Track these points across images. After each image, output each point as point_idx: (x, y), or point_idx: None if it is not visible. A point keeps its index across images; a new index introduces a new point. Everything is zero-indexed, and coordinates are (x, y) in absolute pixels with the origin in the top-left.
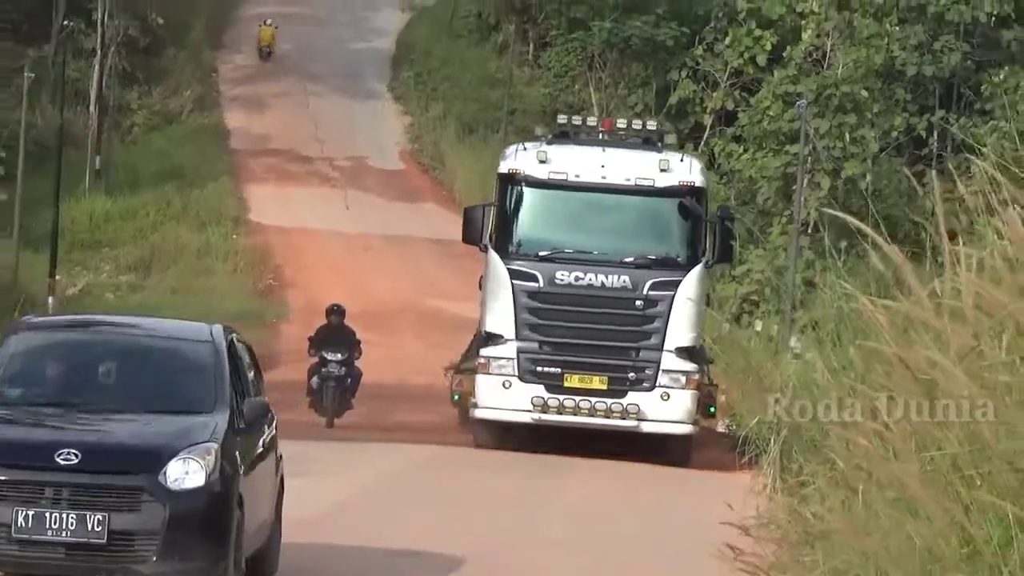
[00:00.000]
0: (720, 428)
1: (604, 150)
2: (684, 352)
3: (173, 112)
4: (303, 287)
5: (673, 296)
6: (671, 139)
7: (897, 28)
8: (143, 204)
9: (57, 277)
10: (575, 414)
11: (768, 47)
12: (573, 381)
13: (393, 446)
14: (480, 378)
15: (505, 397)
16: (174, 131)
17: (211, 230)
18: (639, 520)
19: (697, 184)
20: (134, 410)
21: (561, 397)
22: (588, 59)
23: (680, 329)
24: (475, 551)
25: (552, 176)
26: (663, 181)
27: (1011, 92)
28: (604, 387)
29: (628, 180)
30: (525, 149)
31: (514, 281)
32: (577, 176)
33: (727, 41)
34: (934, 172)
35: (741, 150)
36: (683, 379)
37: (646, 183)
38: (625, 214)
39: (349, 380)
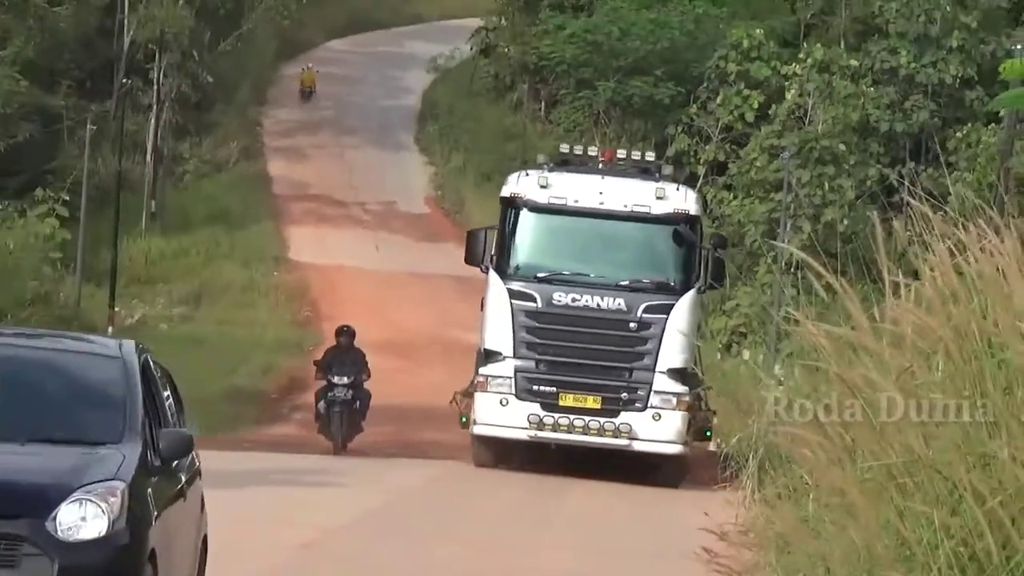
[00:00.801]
0: (711, 447)
1: (603, 178)
2: (676, 374)
3: (221, 161)
4: (337, 319)
5: (666, 319)
6: (668, 170)
7: (871, 89)
8: (194, 244)
9: (116, 309)
10: (569, 432)
11: (755, 105)
12: (568, 400)
13: (409, 461)
14: (479, 396)
15: (502, 414)
16: (222, 178)
17: (254, 267)
18: (623, 527)
19: (692, 212)
20: (17, 439)
21: (556, 415)
22: (594, 116)
23: (672, 351)
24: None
25: (552, 201)
26: (659, 208)
27: (973, 146)
28: (598, 406)
29: (625, 207)
30: (527, 175)
31: (513, 301)
32: (576, 201)
33: (719, 100)
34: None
35: (731, 197)
36: (674, 400)
37: (642, 210)
38: (621, 239)
39: (358, 403)
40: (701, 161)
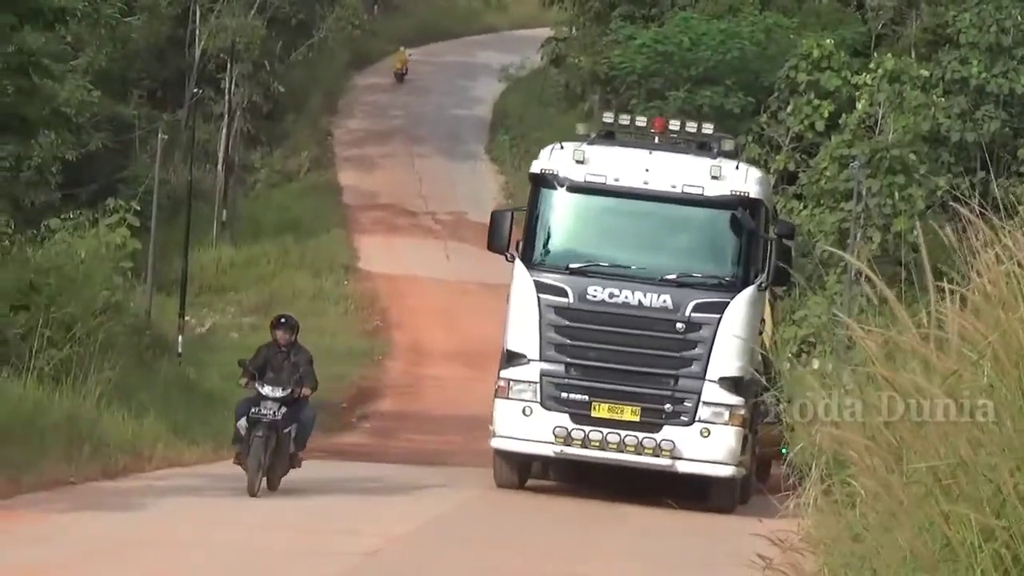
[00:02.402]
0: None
1: (651, 153)
2: (729, 383)
3: (292, 170)
4: (407, 328)
5: (719, 320)
6: (729, 145)
7: (942, 99)
8: (264, 253)
9: (186, 318)
10: (602, 449)
11: (826, 115)
12: (602, 411)
13: (474, 471)
14: (498, 403)
15: (525, 426)
16: (293, 187)
17: (324, 276)
18: (681, 535)
19: (752, 195)
20: None
21: (587, 428)
22: None
23: (726, 357)
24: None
25: (589, 179)
26: (713, 190)
27: None
28: (636, 419)
29: (674, 187)
30: (562, 148)
31: (540, 295)
32: (616, 180)
33: (789, 109)
34: (962, 227)
35: (801, 207)
36: (726, 414)
37: (694, 191)
38: (669, 225)
39: (293, 427)
40: (771, 170)
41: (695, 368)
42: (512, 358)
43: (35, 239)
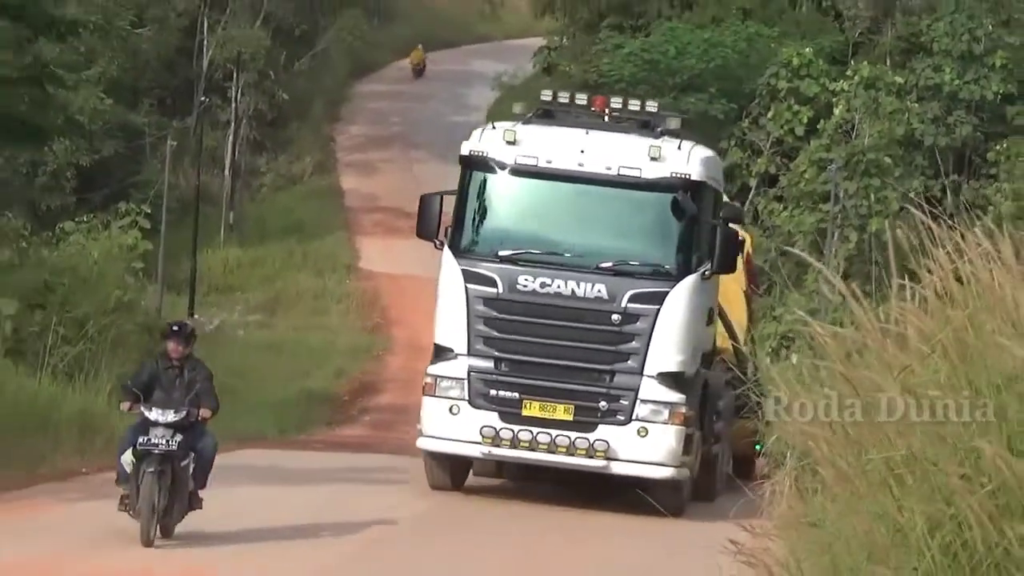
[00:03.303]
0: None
1: (587, 133)
2: (669, 379)
3: (296, 175)
4: (406, 324)
5: (658, 311)
6: (674, 123)
7: (916, 105)
8: (269, 254)
9: (195, 316)
10: (532, 449)
11: (804, 120)
12: (533, 409)
13: None
14: (425, 400)
15: (453, 425)
16: (297, 191)
17: (327, 276)
18: (646, 524)
19: (694, 177)
20: None
21: (516, 428)
22: None
23: (665, 351)
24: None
25: (520, 161)
26: (652, 172)
27: (1013, 159)
28: (569, 418)
29: (609, 169)
30: (493, 128)
31: (468, 285)
32: (549, 162)
33: (770, 115)
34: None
35: (781, 208)
36: (666, 412)
37: (631, 173)
38: (605, 210)
39: (191, 459)
40: (753, 173)
41: (632, 363)
42: (439, 353)
43: (50, 241)
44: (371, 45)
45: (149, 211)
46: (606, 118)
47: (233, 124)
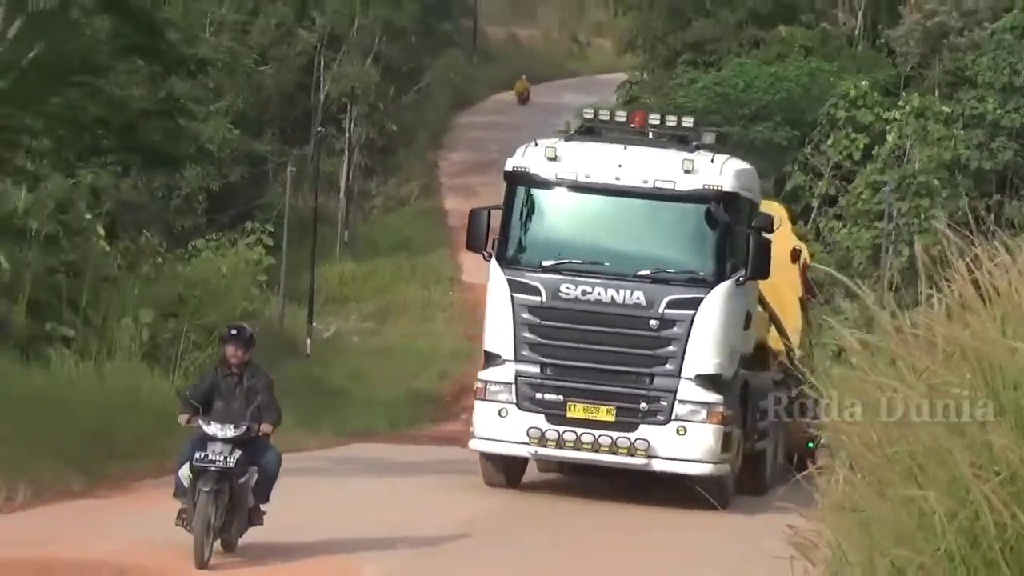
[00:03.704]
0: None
1: (625, 148)
2: (706, 380)
3: (403, 197)
4: None
5: (693, 316)
6: (709, 138)
7: (962, 132)
8: (380, 268)
9: (314, 324)
10: (577, 449)
11: (861, 146)
12: (577, 411)
13: None
14: (477, 404)
15: (501, 427)
16: (404, 212)
17: (432, 288)
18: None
19: (726, 188)
20: None
21: (561, 429)
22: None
23: (702, 354)
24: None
25: (560, 176)
26: (685, 184)
27: None
28: (611, 418)
29: (645, 182)
30: (536, 145)
31: (514, 294)
32: (587, 176)
33: (829, 142)
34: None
35: (841, 226)
36: (703, 412)
37: (666, 186)
38: (641, 221)
39: (251, 474)
40: (815, 195)
41: (670, 366)
42: (489, 359)
43: (184, 257)
44: (470, 81)
45: (272, 230)
46: (650, 134)
47: (347, 152)
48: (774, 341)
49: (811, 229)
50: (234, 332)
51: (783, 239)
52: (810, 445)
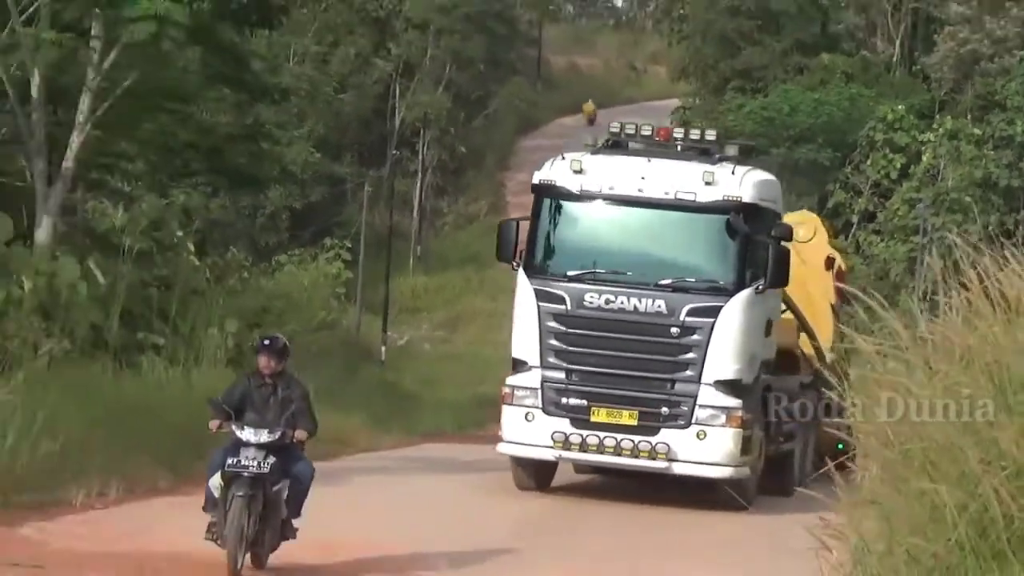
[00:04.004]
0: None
1: (649, 161)
2: (726, 386)
3: (473, 215)
4: None
5: (713, 324)
6: (732, 150)
7: (992, 152)
8: (451, 281)
9: (388, 333)
10: (600, 452)
11: (898, 166)
12: (600, 415)
13: None
14: (504, 409)
15: (528, 431)
16: (473, 228)
17: (499, 299)
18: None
19: (745, 199)
20: None
21: (585, 433)
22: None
23: (721, 360)
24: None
25: (584, 189)
26: (706, 196)
27: None
28: (634, 423)
29: (667, 194)
30: (563, 159)
31: (540, 303)
32: (611, 189)
33: (868, 162)
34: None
35: (879, 240)
36: (723, 416)
37: (687, 197)
38: (663, 231)
39: (284, 484)
40: (855, 211)
41: (690, 372)
42: (516, 365)
43: (268, 271)
44: (534, 106)
45: (350, 246)
46: (679, 147)
47: (420, 173)
48: (805, 346)
49: (851, 243)
50: (267, 342)
51: (818, 249)
52: (840, 447)
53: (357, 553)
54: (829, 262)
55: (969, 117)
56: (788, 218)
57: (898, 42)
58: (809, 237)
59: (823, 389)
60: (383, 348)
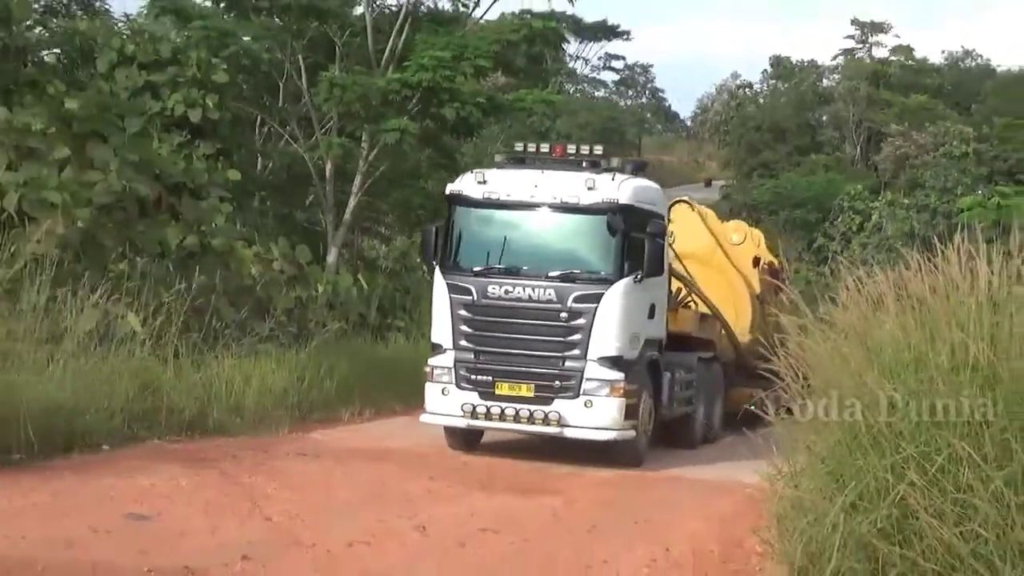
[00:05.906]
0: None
1: (543, 172)
2: (608, 361)
3: None
4: None
5: (596, 308)
6: (615, 161)
7: (916, 214)
8: None
9: None
10: (503, 420)
11: (857, 222)
12: (504, 389)
13: None
14: (427, 386)
15: (444, 403)
16: None
17: None
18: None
19: (621, 201)
20: None
21: (490, 404)
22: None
23: (604, 339)
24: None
25: (487, 196)
26: (587, 199)
27: None
28: (531, 395)
29: (555, 199)
30: (471, 173)
31: (452, 295)
32: (508, 196)
33: (839, 220)
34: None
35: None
36: (607, 388)
37: (571, 201)
38: (553, 231)
39: None
40: (831, 251)
41: (578, 351)
42: (434, 348)
43: None
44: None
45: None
46: (584, 164)
47: None
48: (741, 332)
49: (827, 270)
50: None
51: (747, 250)
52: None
53: None
54: (756, 261)
55: (902, 192)
56: (726, 226)
57: (858, 147)
58: (740, 241)
59: (716, 360)
60: None
